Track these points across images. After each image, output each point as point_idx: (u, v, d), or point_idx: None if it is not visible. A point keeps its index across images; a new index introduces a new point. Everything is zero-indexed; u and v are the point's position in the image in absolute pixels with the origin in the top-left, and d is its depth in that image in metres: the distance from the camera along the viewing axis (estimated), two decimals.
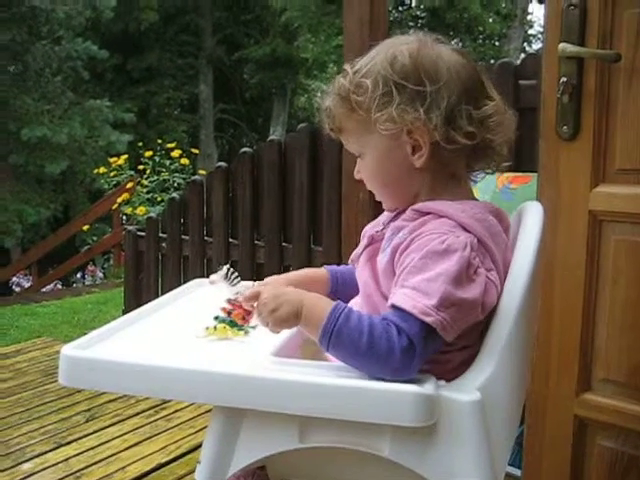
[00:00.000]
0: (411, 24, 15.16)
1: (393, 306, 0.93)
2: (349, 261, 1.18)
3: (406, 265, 0.95)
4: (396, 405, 0.88)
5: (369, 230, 1.14)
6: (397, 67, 1.01)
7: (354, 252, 1.15)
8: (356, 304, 1.06)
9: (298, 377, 0.91)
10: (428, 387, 0.89)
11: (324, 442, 0.95)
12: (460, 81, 1.02)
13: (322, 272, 1.24)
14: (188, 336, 1.10)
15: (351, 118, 1.05)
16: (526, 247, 1.04)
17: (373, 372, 0.91)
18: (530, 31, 17.09)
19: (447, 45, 1.06)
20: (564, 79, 1.48)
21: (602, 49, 1.45)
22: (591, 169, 1.50)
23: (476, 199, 1.09)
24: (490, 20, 14.77)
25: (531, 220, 1.09)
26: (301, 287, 1.12)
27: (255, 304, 1.03)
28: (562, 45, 1.46)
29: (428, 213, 1.01)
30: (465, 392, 0.91)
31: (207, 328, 1.12)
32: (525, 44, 16.68)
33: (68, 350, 0.99)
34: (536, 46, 16.99)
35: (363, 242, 1.13)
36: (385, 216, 1.14)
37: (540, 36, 17.22)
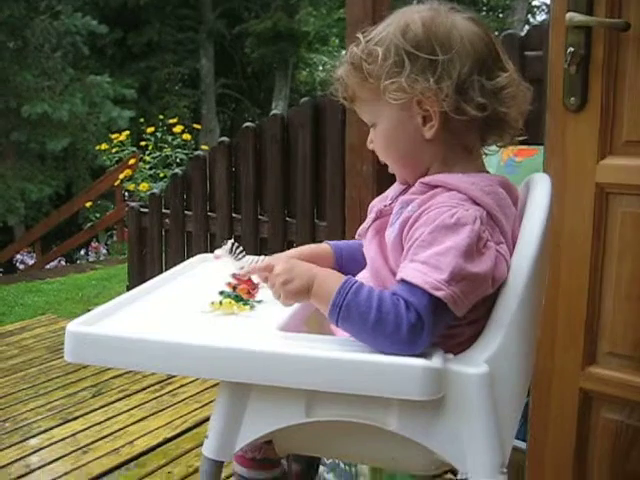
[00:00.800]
0: None
1: (403, 280, 0.92)
2: (356, 235, 1.17)
3: (415, 239, 0.94)
4: (403, 379, 0.87)
5: (377, 204, 1.13)
6: (409, 36, 0.99)
7: (361, 226, 1.14)
8: (363, 278, 1.05)
9: (305, 351, 0.91)
10: (436, 360, 0.89)
11: (331, 416, 0.95)
12: (473, 51, 1.00)
13: (325, 247, 1.23)
14: (193, 311, 1.09)
15: (363, 87, 1.04)
16: (534, 220, 1.02)
17: (381, 347, 0.91)
18: (534, 2, 16.93)
19: (462, 13, 1.04)
20: (571, 49, 1.46)
21: (610, 18, 1.42)
22: (598, 141, 1.49)
23: (487, 172, 1.08)
24: None
25: (539, 192, 1.08)
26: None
27: (266, 276, 1.04)
28: (570, 14, 1.43)
29: (437, 186, 1.00)
30: (473, 365, 0.91)
31: (212, 303, 1.11)
32: (529, 16, 16.52)
33: (73, 326, 0.99)
34: (540, 18, 16.85)
35: (371, 216, 1.12)
36: (393, 190, 1.13)
37: (544, 7, 17.06)
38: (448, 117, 1.00)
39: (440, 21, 1.01)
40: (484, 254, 0.93)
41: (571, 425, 1.62)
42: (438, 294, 0.88)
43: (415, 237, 0.95)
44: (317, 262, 1.10)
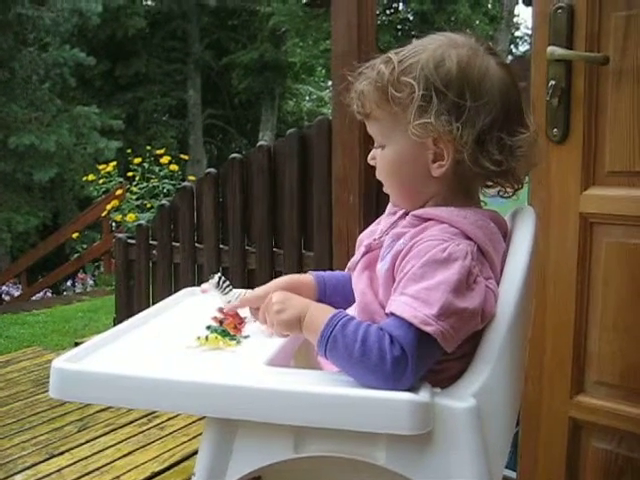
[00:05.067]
0: (399, 27, 15.18)
1: (391, 314, 0.92)
2: (346, 269, 1.16)
3: (406, 272, 0.94)
4: (391, 413, 0.87)
5: (365, 239, 1.13)
6: (442, 72, 0.97)
7: (351, 260, 1.14)
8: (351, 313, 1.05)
9: (292, 387, 0.91)
10: (423, 395, 0.88)
11: (319, 452, 0.94)
12: (501, 104, 0.99)
13: (307, 278, 1.23)
14: (180, 346, 1.09)
15: (382, 108, 1.03)
16: (519, 255, 1.03)
17: (367, 381, 0.91)
18: (517, 33, 17.17)
19: (496, 57, 1.02)
20: (553, 82, 1.49)
21: (590, 52, 1.45)
22: (581, 171, 1.51)
23: (480, 206, 1.08)
24: (477, 22, 14.81)
25: (524, 225, 1.09)
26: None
27: (261, 304, 1.07)
28: (550, 48, 1.46)
29: (429, 219, 1.00)
30: (460, 399, 0.91)
31: (199, 338, 1.10)
32: (512, 46, 16.74)
33: (59, 363, 0.98)
34: (522, 48, 17.07)
35: (360, 250, 1.11)
36: (383, 223, 1.13)
37: (527, 38, 17.30)
38: (460, 163, 0.99)
39: (476, 64, 0.99)
40: (474, 290, 0.93)
41: (561, 454, 1.62)
42: (427, 329, 0.88)
43: (406, 270, 0.94)
44: (299, 293, 1.10)
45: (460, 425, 0.89)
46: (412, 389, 0.89)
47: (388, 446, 0.91)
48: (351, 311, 1.08)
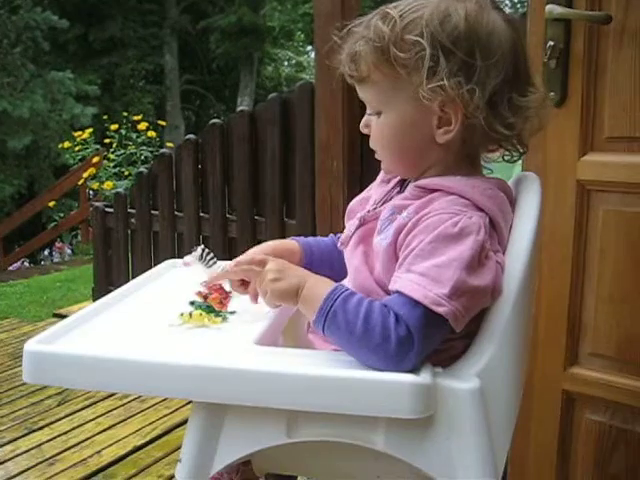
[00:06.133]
0: None
1: (398, 292, 0.86)
2: (339, 244, 1.09)
3: (413, 248, 0.87)
4: (391, 396, 0.82)
5: (356, 207, 1.06)
6: (449, 28, 0.89)
7: (344, 234, 1.06)
8: None
9: (285, 368, 0.85)
10: (424, 376, 0.83)
11: (314, 436, 0.89)
12: (511, 62, 0.92)
13: (292, 244, 1.16)
14: (162, 324, 1.02)
15: (381, 71, 0.93)
16: (525, 226, 0.97)
17: (367, 360, 0.85)
18: None
19: (502, 13, 0.95)
20: (551, 43, 1.42)
21: (591, 10, 1.38)
22: (579, 137, 1.45)
23: (484, 175, 1.02)
24: None
25: (530, 195, 1.03)
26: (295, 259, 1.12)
27: (256, 271, 0.99)
28: (549, 6, 1.39)
29: (435, 190, 0.93)
30: (463, 379, 0.85)
31: (182, 315, 1.04)
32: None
33: (32, 345, 0.91)
34: (507, 11, 16.90)
35: (353, 222, 1.04)
36: (376, 192, 1.06)
37: (507, 2, 17.17)
38: (468, 127, 0.92)
39: (484, 20, 0.91)
40: (485, 265, 0.87)
41: (554, 427, 1.59)
42: (439, 310, 0.83)
43: (413, 246, 0.88)
44: (285, 259, 1.03)
45: (463, 407, 0.84)
46: (412, 370, 0.84)
47: (387, 430, 0.86)
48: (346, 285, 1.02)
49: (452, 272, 0.83)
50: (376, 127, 0.99)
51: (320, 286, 0.91)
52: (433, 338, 0.86)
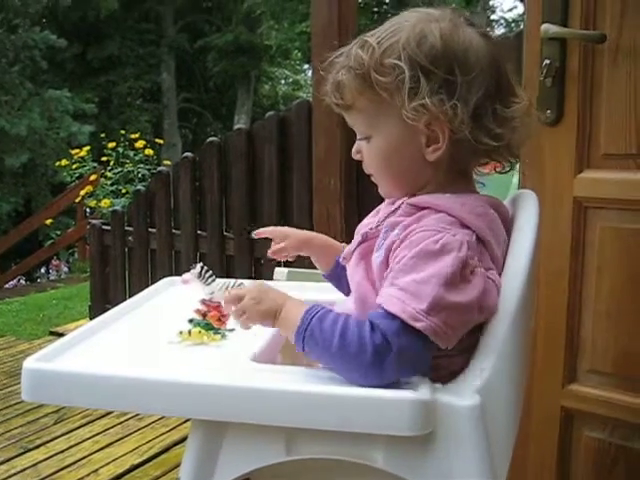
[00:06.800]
0: (376, 10, 15.08)
1: (379, 306, 0.87)
2: (341, 259, 1.11)
3: (397, 262, 0.89)
4: (390, 413, 0.82)
5: (363, 227, 1.07)
6: (425, 49, 0.91)
7: (346, 249, 1.08)
8: (347, 309, 0.98)
9: (284, 386, 0.85)
10: (424, 392, 0.83)
11: (313, 454, 0.88)
12: (491, 75, 0.93)
13: (338, 246, 1.22)
14: (161, 342, 1.02)
15: (365, 97, 0.96)
16: (523, 243, 0.98)
17: (348, 374, 0.86)
18: (493, 16, 17.15)
19: (477, 28, 0.97)
20: (547, 61, 1.43)
21: (586, 29, 1.40)
22: (575, 154, 1.46)
23: (477, 192, 1.02)
24: (453, 5, 14.76)
25: (527, 212, 1.03)
26: (314, 247, 1.24)
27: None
28: (545, 26, 1.40)
29: (425, 208, 0.94)
30: (463, 396, 0.85)
31: (181, 332, 1.04)
32: (488, 29, 16.71)
33: (31, 363, 0.90)
34: (499, 31, 17.09)
35: (356, 239, 1.05)
36: (382, 211, 1.07)
37: (502, 22, 17.33)
38: (456, 142, 0.93)
39: (459, 37, 0.93)
40: (470, 282, 0.87)
41: (552, 443, 1.58)
42: (417, 325, 0.83)
43: (397, 260, 0.89)
44: (326, 252, 1.13)
45: (463, 424, 0.84)
46: (411, 386, 0.84)
47: (386, 447, 0.86)
48: (349, 302, 1.03)
49: (431, 288, 0.84)
50: (367, 152, 1.01)
51: (297, 306, 0.92)
52: (414, 352, 0.85)
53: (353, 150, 1.04)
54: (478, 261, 0.90)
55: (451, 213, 0.92)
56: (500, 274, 0.95)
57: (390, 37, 0.94)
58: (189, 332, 1.04)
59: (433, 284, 0.84)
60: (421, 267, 0.86)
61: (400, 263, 0.88)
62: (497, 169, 1.05)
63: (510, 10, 16.25)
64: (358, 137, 1.02)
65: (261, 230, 1.29)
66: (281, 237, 1.26)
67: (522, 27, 1.56)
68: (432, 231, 0.89)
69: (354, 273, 1.02)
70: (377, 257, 0.95)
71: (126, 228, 4.00)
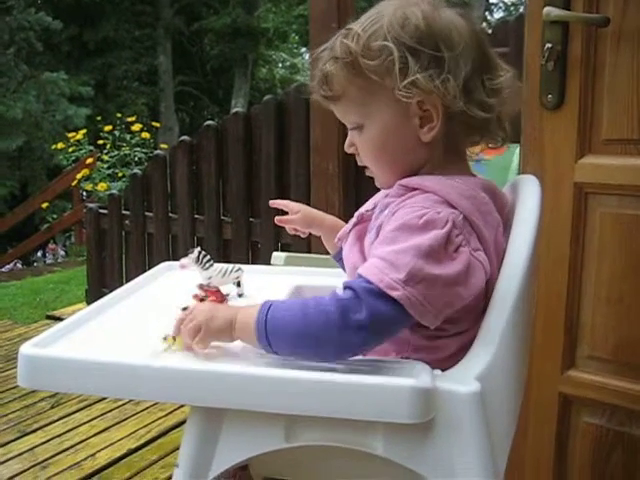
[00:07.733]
0: None
1: (359, 276, 0.87)
2: (336, 239, 1.11)
3: (380, 236, 0.90)
4: (389, 401, 0.81)
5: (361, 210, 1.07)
6: (410, 30, 0.92)
7: (342, 230, 1.08)
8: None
9: (283, 373, 0.84)
10: (424, 379, 0.82)
11: (312, 441, 0.87)
12: (475, 49, 0.95)
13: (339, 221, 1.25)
14: (158, 328, 1.01)
15: (355, 84, 0.96)
16: (525, 228, 0.97)
17: (321, 349, 0.86)
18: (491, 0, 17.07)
19: (454, 9, 0.98)
20: (549, 45, 1.41)
21: (589, 12, 1.38)
22: (577, 139, 1.45)
23: (472, 174, 1.02)
24: None
25: (529, 198, 1.02)
26: (325, 227, 1.27)
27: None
28: (547, 9, 1.38)
29: (415, 189, 0.94)
30: (463, 383, 0.84)
31: (165, 338, 0.97)
32: (487, 13, 16.66)
33: (27, 349, 0.90)
34: (497, 15, 17.03)
35: (352, 220, 1.06)
36: (377, 196, 1.07)
37: (501, 5, 17.25)
38: (450, 119, 0.94)
39: (440, 17, 0.94)
40: (454, 259, 0.87)
41: (551, 429, 1.58)
42: (393, 294, 0.83)
43: (381, 234, 0.90)
44: (337, 233, 1.11)
45: (463, 410, 0.83)
46: (411, 373, 0.83)
47: (386, 434, 0.85)
48: None
49: (409, 258, 0.84)
50: (361, 142, 1.00)
51: (251, 309, 0.90)
52: (387, 319, 0.85)
53: (346, 144, 1.03)
54: (464, 240, 0.89)
55: (438, 193, 0.91)
56: (491, 258, 0.94)
57: (373, 24, 0.94)
58: (174, 338, 1.00)
59: (412, 255, 0.84)
60: (403, 239, 0.86)
61: (383, 235, 0.89)
62: (490, 145, 1.05)
63: None
64: (350, 127, 1.02)
65: (277, 201, 1.32)
66: (294, 211, 1.29)
67: (522, 10, 1.54)
68: (417, 207, 0.89)
69: (349, 254, 1.02)
70: (369, 238, 0.96)
71: (123, 212, 3.99)
